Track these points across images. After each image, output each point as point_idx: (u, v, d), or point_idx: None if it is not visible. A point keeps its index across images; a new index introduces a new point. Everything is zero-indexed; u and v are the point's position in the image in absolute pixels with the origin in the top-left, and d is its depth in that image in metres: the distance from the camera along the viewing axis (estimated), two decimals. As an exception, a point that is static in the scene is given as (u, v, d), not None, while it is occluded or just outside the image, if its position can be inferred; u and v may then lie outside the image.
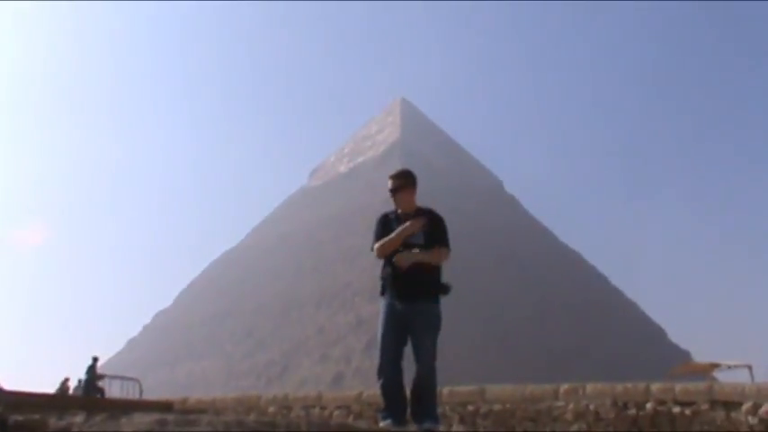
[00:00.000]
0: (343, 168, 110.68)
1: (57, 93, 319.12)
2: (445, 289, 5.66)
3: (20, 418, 3.02)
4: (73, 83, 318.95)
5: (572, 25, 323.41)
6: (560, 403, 10.03)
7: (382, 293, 5.76)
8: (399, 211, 5.89)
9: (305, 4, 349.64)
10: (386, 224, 5.86)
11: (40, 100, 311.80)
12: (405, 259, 5.48)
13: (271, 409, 12.86)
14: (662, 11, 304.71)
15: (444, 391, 10.86)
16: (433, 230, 5.72)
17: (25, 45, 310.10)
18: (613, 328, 77.18)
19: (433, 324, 5.58)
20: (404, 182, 5.90)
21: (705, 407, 8.93)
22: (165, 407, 13.56)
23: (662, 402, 9.31)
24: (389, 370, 5.49)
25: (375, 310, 64.95)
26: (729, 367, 33.67)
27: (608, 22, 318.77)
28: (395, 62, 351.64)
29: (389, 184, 5.95)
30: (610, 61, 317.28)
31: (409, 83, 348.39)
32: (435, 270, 5.69)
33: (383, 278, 5.74)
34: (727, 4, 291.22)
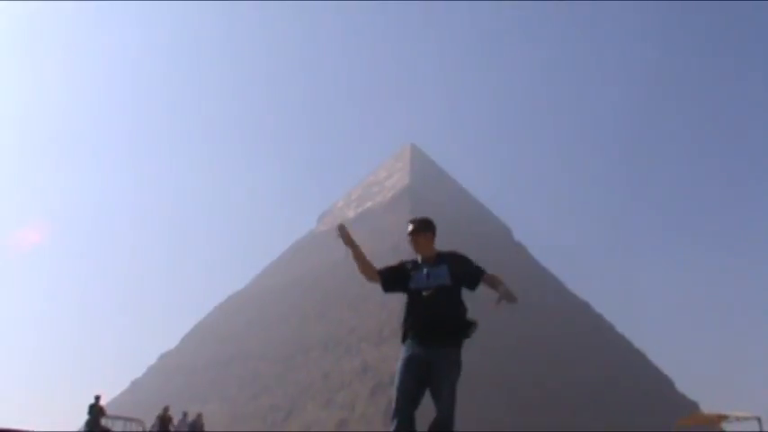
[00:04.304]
0: (351, 213, 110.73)
1: (71, 129, 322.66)
2: (472, 326, 5.63)
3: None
4: (88, 123, 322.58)
5: (587, 73, 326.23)
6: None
7: (404, 340, 5.73)
8: (419, 257, 6.00)
9: (317, 48, 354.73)
10: (399, 264, 6.04)
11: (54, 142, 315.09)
12: (509, 293, 5.53)
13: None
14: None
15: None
16: (465, 269, 5.84)
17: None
18: (620, 378, 76.33)
19: (454, 370, 5.53)
20: (420, 226, 6.02)
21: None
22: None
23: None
24: (405, 414, 5.38)
25: (381, 356, 64.88)
26: (738, 419, 33.39)
27: (633, 72, 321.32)
28: (405, 108, 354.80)
29: (409, 226, 6.07)
30: (624, 109, 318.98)
31: (419, 129, 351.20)
32: (458, 312, 5.70)
33: (406, 324, 5.74)
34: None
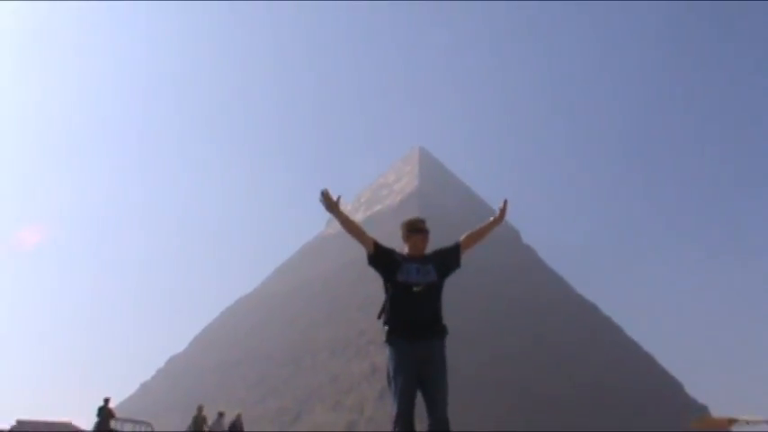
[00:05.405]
0: (360, 216, 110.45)
1: (88, 136, 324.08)
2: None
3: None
4: (94, 123, 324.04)
5: (596, 76, 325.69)
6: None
7: (389, 338, 5.69)
8: (407, 252, 5.99)
9: (325, 53, 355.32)
10: (392, 249, 6.01)
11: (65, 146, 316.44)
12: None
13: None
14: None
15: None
16: (444, 252, 5.97)
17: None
18: (629, 381, 76.10)
19: (445, 368, 5.56)
20: (426, 227, 6.09)
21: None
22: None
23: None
24: (408, 418, 5.34)
25: (390, 358, 64.68)
26: (748, 422, 33.22)
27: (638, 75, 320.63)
28: (414, 111, 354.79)
29: (418, 224, 6.10)
30: (632, 111, 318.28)
31: (428, 132, 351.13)
32: (440, 307, 5.78)
33: (394, 321, 5.72)
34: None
